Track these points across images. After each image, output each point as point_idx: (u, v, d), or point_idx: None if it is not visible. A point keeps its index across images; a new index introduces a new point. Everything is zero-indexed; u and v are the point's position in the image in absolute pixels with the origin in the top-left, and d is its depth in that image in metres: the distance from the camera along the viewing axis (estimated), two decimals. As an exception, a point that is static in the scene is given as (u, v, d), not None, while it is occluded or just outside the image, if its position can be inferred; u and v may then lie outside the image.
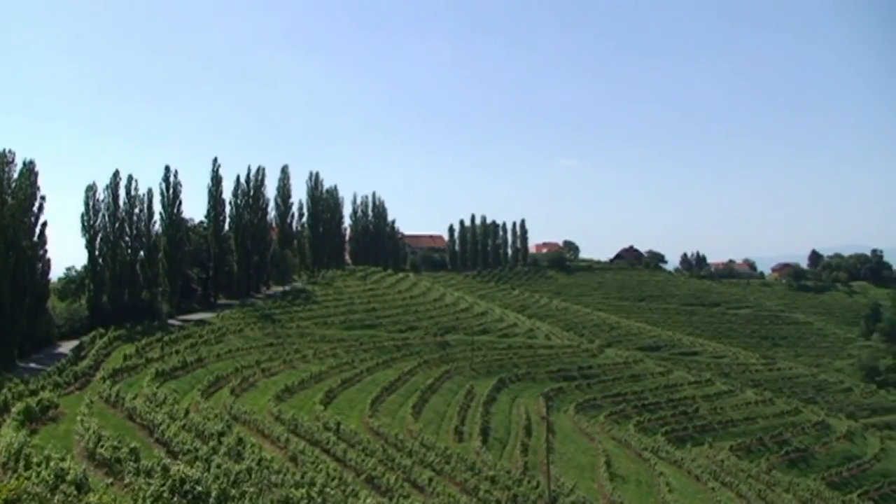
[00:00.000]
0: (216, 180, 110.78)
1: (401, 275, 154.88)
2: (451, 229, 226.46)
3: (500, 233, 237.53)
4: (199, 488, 28.35)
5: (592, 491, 57.21)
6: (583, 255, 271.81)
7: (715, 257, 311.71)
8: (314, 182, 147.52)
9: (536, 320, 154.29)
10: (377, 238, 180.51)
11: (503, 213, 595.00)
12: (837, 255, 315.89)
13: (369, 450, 49.33)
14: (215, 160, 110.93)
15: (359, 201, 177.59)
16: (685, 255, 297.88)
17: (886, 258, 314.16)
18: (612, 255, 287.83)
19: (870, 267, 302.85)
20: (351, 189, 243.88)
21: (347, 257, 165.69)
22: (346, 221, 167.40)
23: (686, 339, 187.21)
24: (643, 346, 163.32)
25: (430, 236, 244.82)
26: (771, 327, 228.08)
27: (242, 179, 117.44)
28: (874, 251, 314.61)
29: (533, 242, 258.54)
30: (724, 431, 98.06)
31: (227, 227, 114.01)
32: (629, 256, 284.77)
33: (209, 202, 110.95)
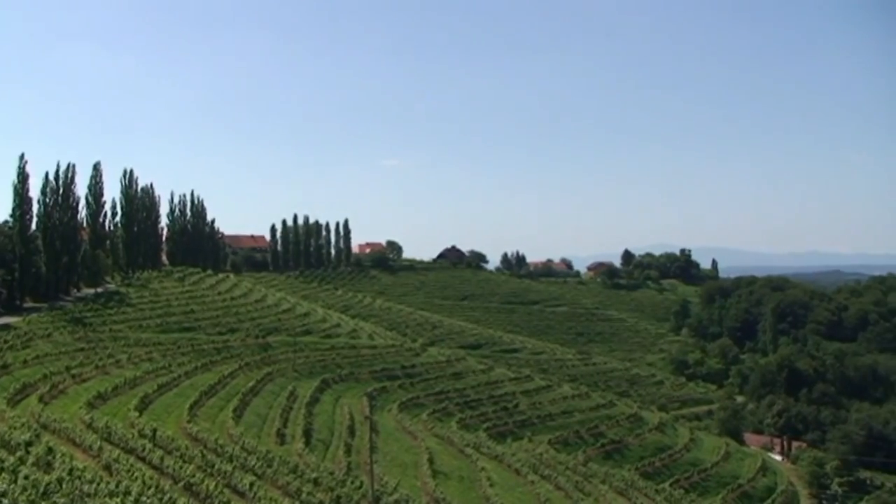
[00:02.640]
0: (22, 178, 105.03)
1: (221, 276, 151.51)
2: (272, 229, 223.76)
3: (324, 233, 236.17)
4: (6, 501, 26.91)
5: (416, 489, 57.54)
6: (406, 254, 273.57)
7: (534, 257, 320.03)
8: (128, 180, 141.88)
9: (360, 320, 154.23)
10: (196, 238, 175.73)
11: (326, 213, 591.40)
12: (649, 255, 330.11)
13: (187, 456, 47.97)
14: (22, 156, 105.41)
15: (176, 200, 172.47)
16: (506, 254, 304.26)
17: (694, 257, 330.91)
18: (434, 255, 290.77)
19: (679, 266, 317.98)
20: (168, 188, 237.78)
21: (164, 258, 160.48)
22: (163, 221, 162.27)
23: (506, 336, 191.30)
24: (465, 344, 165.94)
25: (252, 236, 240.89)
26: (587, 324, 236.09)
27: (52, 177, 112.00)
28: (683, 251, 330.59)
29: (356, 242, 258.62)
30: (542, 425, 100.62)
31: (34, 226, 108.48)
32: (451, 256, 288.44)
33: (14, 200, 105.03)
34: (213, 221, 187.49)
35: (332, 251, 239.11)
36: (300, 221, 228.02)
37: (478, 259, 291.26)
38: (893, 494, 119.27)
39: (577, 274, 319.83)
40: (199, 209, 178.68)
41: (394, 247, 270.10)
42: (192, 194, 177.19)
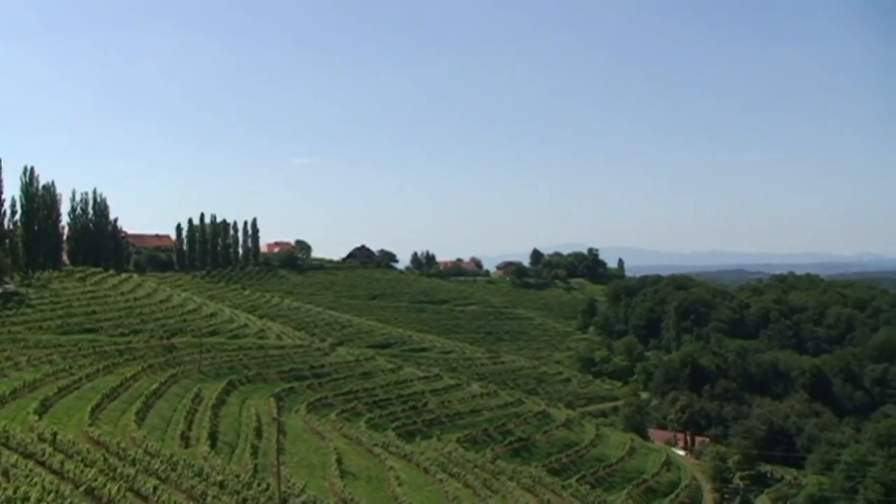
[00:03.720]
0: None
1: (124, 276, 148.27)
2: (178, 228, 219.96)
3: (231, 232, 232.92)
4: None
5: (324, 490, 57.16)
6: (315, 254, 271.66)
7: (443, 256, 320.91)
8: (29, 178, 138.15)
9: (268, 320, 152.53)
10: (98, 237, 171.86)
11: (234, 213, 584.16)
12: (557, 254, 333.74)
13: (89, 460, 46.83)
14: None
15: (78, 198, 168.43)
16: (416, 253, 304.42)
17: (602, 256, 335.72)
18: (344, 255, 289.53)
19: (587, 265, 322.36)
20: (70, 186, 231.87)
21: (66, 258, 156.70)
22: (65, 220, 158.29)
23: (416, 335, 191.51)
24: (374, 343, 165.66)
25: (157, 236, 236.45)
26: (496, 323, 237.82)
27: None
28: (590, 250, 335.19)
29: (265, 242, 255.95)
30: (451, 424, 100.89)
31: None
32: (361, 255, 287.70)
33: None
34: (116, 220, 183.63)
35: (240, 251, 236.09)
36: (207, 220, 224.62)
37: (387, 258, 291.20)
38: (793, 487, 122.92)
39: (487, 273, 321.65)
40: (101, 208, 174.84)
41: (303, 246, 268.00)
42: (94, 193, 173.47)
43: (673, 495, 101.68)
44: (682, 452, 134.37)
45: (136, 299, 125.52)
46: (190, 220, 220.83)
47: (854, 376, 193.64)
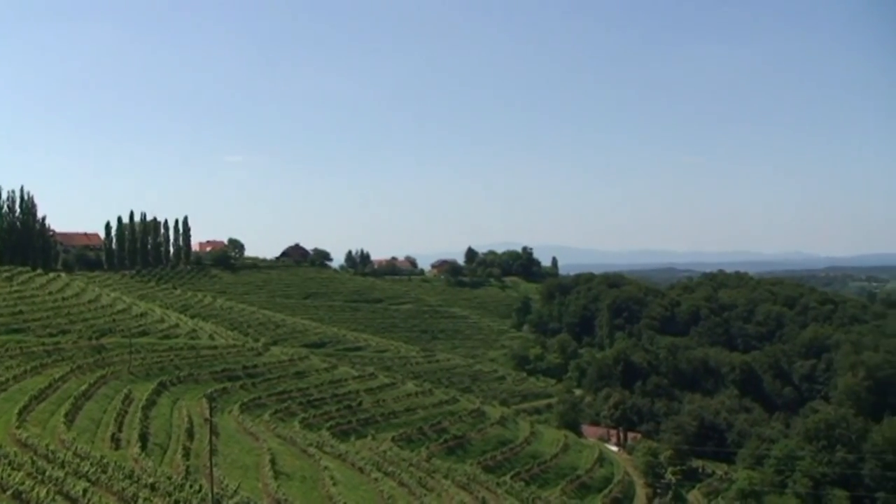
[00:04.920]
0: None
1: (52, 275, 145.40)
2: (107, 227, 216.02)
3: (162, 230, 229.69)
4: None
5: (257, 491, 56.68)
6: (248, 253, 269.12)
7: (378, 254, 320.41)
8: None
9: (200, 320, 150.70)
10: (25, 236, 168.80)
11: (165, 211, 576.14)
12: (492, 252, 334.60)
13: (16, 463, 45.85)
14: None
15: (5, 196, 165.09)
16: (350, 252, 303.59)
17: (536, 255, 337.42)
18: (278, 254, 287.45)
19: (521, 263, 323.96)
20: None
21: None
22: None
23: (351, 334, 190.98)
24: (308, 343, 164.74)
25: (86, 234, 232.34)
26: (430, 321, 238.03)
27: None
28: (525, 248, 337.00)
29: (196, 240, 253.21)
30: (386, 423, 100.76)
31: None
32: (295, 254, 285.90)
33: None
34: (44, 219, 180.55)
35: (171, 249, 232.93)
36: (137, 219, 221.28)
37: (322, 257, 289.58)
38: (724, 482, 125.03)
39: (422, 272, 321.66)
40: (28, 206, 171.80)
41: (235, 245, 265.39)
42: (21, 190, 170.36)
43: (606, 491, 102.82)
44: (614, 448, 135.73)
45: (64, 299, 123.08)
46: (119, 219, 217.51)
47: (783, 372, 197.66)
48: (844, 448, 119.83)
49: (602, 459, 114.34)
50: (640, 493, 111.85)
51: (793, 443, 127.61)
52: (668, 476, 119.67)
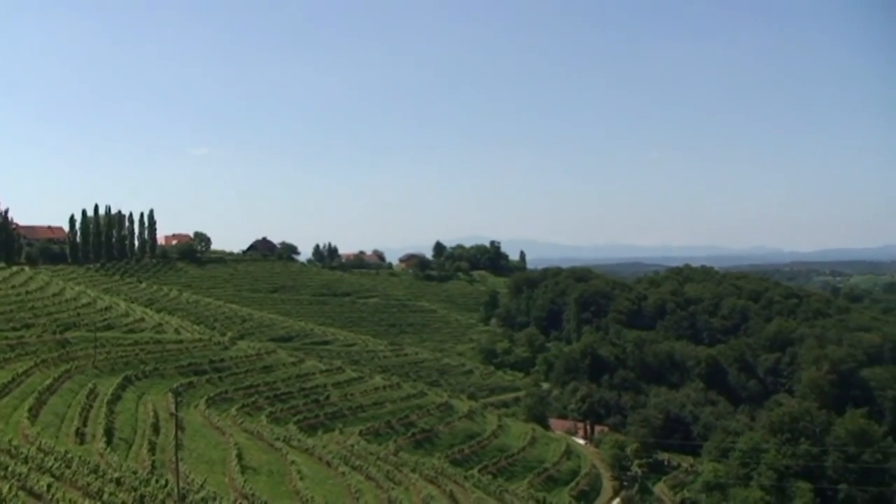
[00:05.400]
0: None
1: (14, 268, 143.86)
2: (71, 220, 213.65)
3: (127, 224, 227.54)
4: None
5: (223, 485, 56.40)
6: (215, 246, 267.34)
7: (346, 248, 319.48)
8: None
9: (165, 314, 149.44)
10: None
11: (130, 204, 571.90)
12: (460, 246, 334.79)
13: (-22, 459, 45.31)
14: None
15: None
16: (318, 246, 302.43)
17: (504, 249, 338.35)
18: (245, 247, 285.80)
19: (489, 257, 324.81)
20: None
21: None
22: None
23: (318, 328, 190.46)
24: (276, 337, 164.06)
25: (49, 227, 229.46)
26: (398, 315, 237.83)
27: None
28: (493, 243, 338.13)
29: (162, 234, 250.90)
30: (354, 417, 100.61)
31: None
32: (262, 248, 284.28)
33: None
34: (6, 212, 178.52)
35: (136, 243, 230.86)
36: (102, 212, 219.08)
37: (289, 251, 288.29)
38: (689, 474, 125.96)
39: (389, 266, 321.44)
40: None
41: (202, 238, 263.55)
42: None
43: (573, 483, 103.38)
44: (581, 441, 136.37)
45: (27, 293, 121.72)
46: (84, 212, 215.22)
47: (748, 366, 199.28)
48: (808, 441, 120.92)
49: (569, 452, 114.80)
50: (607, 485, 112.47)
51: (757, 436, 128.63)
52: (635, 469, 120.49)
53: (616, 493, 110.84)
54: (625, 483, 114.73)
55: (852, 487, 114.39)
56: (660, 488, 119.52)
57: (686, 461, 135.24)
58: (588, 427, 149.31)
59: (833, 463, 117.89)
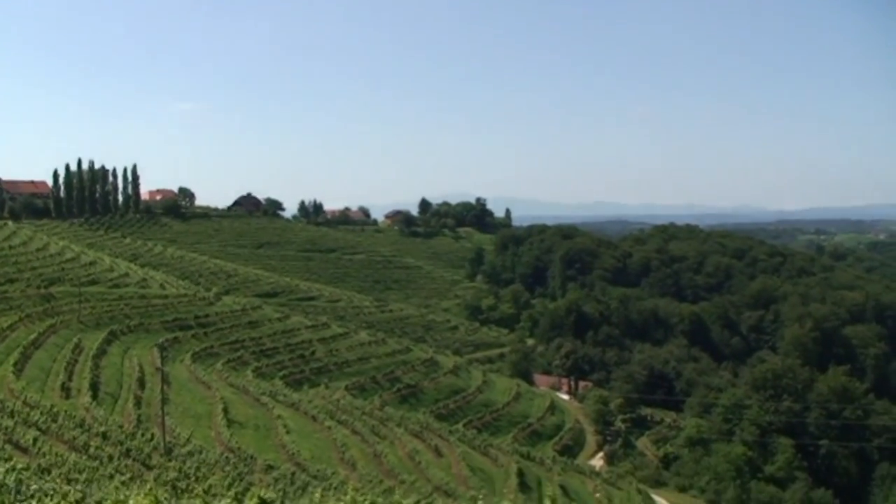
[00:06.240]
0: None
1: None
2: (55, 174, 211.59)
3: (111, 178, 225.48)
4: None
5: (209, 439, 56.63)
6: (200, 202, 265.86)
7: (331, 204, 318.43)
8: None
9: (150, 269, 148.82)
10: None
11: (114, 159, 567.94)
12: (445, 203, 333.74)
13: (-37, 413, 45.31)
14: None
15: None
16: (303, 202, 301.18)
17: (490, 206, 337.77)
18: (229, 203, 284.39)
19: (475, 214, 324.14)
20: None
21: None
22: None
23: (303, 284, 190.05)
24: (261, 292, 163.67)
25: (32, 182, 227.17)
26: (383, 271, 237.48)
27: None
28: (478, 199, 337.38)
29: (146, 189, 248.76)
30: (339, 372, 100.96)
31: None
32: (247, 204, 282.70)
33: None
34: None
35: (120, 198, 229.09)
36: (85, 167, 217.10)
37: (274, 207, 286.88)
38: (672, 429, 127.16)
39: (375, 222, 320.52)
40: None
41: (186, 194, 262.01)
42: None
43: (557, 438, 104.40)
44: (566, 397, 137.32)
45: (11, 248, 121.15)
46: (67, 167, 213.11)
47: (731, 323, 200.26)
48: (790, 397, 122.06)
49: (553, 408, 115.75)
50: (591, 440, 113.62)
51: (740, 392, 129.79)
52: (618, 424, 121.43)
53: (599, 448, 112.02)
54: (608, 438, 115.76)
55: (833, 443, 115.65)
56: (643, 443, 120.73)
57: (669, 417, 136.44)
58: (572, 383, 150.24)
59: (815, 419, 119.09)
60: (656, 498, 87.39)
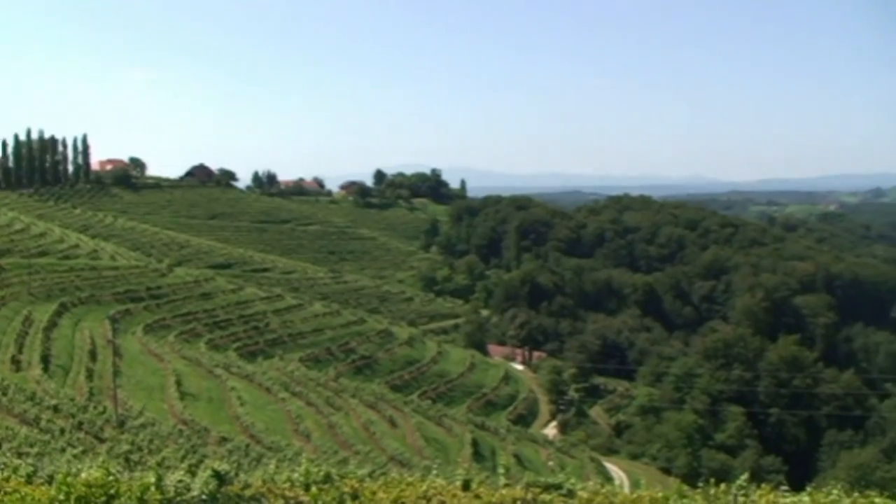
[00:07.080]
0: None
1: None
2: (3, 144, 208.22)
3: (61, 148, 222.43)
4: None
5: (163, 411, 56.29)
6: (151, 172, 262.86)
7: (285, 175, 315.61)
8: None
9: (101, 240, 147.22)
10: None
11: (64, 128, 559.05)
12: (400, 174, 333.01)
13: None
14: None
15: None
16: (256, 173, 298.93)
17: (444, 177, 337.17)
18: (182, 173, 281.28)
19: (430, 185, 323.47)
20: None
21: None
22: None
23: (257, 256, 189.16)
24: (214, 264, 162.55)
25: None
26: (338, 242, 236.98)
27: None
28: (433, 170, 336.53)
29: (97, 159, 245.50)
30: (294, 344, 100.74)
31: None
32: (200, 174, 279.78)
33: None
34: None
35: (70, 168, 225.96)
36: (34, 136, 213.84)
37: (227, 177, 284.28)
38: (625, 398, 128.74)
39: (329, 193, 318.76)
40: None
41: (137, 164, 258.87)
42: None
43: (511, 408, 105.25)
44: (520, 367, 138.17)
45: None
46: (16, 136, 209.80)
47: (683, 293, 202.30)
48: (741, 366, 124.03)
49: (507, 378, 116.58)
50: (544, 409, 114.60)
51: (692, 361, 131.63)
52: (572, 393, 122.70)
53: (553, 417, 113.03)
54: (561, 407, 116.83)
55: (783, 411, 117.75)
56: (596, 412, 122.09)
57: (621, 386, 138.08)
58: (526, 353, 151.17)
59: (765, 388, 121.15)
60: (609, 465, 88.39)
